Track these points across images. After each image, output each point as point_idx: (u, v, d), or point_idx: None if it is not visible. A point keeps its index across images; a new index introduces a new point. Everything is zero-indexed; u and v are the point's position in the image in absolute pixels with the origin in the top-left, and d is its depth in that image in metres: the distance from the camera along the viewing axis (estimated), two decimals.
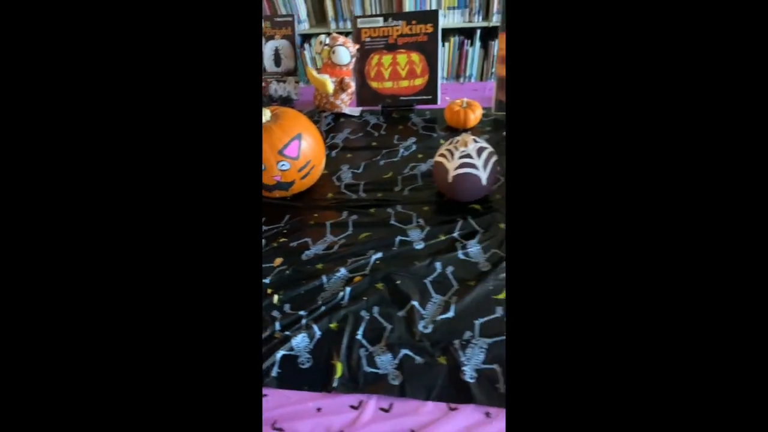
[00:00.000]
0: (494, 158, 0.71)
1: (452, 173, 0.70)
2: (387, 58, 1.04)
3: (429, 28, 1.01)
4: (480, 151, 0.70)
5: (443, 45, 2.13)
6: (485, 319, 0.56)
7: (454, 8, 2.09)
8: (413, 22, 1.01)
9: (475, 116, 0.96)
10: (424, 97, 1.06)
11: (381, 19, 1.02)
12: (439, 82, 1.04)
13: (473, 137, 0.72)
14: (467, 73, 2.10)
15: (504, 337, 0.53)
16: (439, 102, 1.05)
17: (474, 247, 0.67)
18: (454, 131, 0.99)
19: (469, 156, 0.70)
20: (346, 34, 1.10)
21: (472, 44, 1.95)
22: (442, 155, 0.72)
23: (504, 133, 0.96)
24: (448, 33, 2.15)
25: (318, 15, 2.20)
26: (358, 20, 1.04)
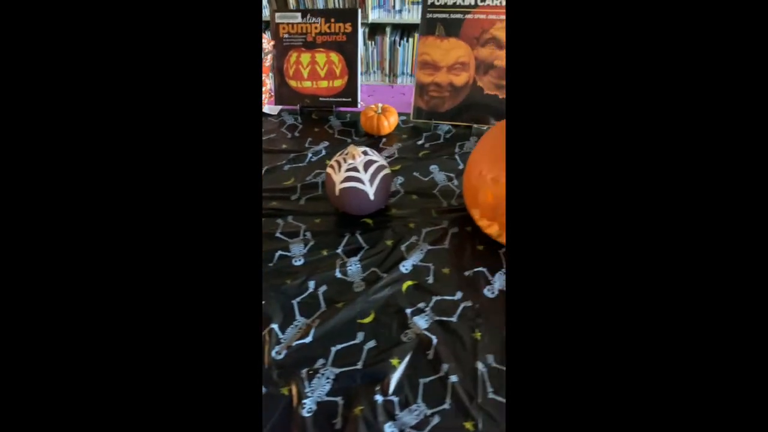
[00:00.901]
0: (384, 172, 0.69)
1: (338, 186, 0.67)
2: (306, 57, 1.00)
3: (348, 28, 0.97)
4: (368, 165, 0.67)
5: (407, 41, 2.10)
6: (343, 345, 0.53)
7: (417, 3, 2.05)
8: (332, 20, 0.96)
9: (389, 123, 0.93)
10: (343, 100, 1.02)
11: (299, 14, 0.97)
12: (359, 83, 1.01)
13: (364, 149, 0.69)
14: None
15: (354, 367, 0.51)
16: (359, 105, 1.02)
17: (354, 266, 0.64)
18: (370, 137, 0.96)
19: (355, 169, 0.67)
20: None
21: None
22: (332, 166, 0.69)
23: (418, 142, 0.94)
24: (412, 28, 2.11)
25: (280, 0, 2.11)
26: (276, 14, 0.98)
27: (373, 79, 2.15)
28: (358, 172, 0.67)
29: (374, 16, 1.95)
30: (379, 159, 0.69)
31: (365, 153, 0.69)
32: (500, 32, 0.89)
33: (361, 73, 2.11)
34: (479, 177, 0.60)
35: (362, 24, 1.92)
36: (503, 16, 0.88)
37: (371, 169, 0.67)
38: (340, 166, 0.68)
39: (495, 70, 0.91)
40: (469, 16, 0.90)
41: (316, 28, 0.98)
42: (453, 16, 0.91)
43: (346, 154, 0.68)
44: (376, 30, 2.05)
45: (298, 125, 1.01)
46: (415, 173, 0.84)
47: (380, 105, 0.95)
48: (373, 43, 2.03)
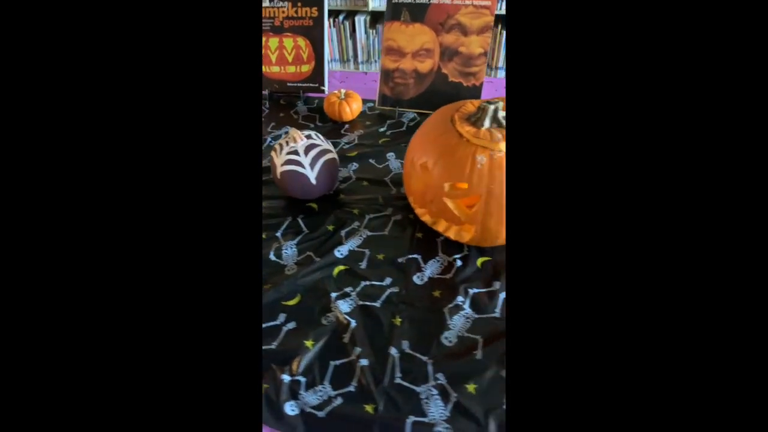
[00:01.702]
0: (326, 157, 0.68)
1: (279, 169, 0.67)
2: (273, 41, 0.99)
3: (314, 12, 0.96)
4: (309, 148, 0.67)
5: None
6: (263, 326, 0.54)
7: None
8: (299, 4, 0.96)
9: (351, 109, 0.92)
10: (311, 85, 1.01)
11: None
12: (326, 69, 1.00)
13: (307, 133, 0.69)
14: None
15: (269, 347, 0.51)
16: (326, 91, 1.01)
17: (290, 249, 0.65)
18: (334, 123, 0.96)
19: (295, 153, 0.67)
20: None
21: None
22: (274, 149, 0.69)
23: (380, 129, 0.93)
24: None
25: None
26: None
27: (374, 68, 2.13)
28: (298, 155, 0.67)
29: (375, 4, 1.92)
30: (322, 143, 0.69)
31: (308, 137, 0.68)
32: (465, 18, 0.88)
33: (362, 62, 2.09)
34: (411, 164, 0.59)
35: (363, 12, 1.90)
36: (468, 2, 0.86)
37: (312, 153, 0.67)
38: (281, 148, 0.68)
39: (459, 57, 0.90)
40: (434, 1, 0.88)
41: (283, 12, 0.97)
42: (418, 0, 0.89)
43: (289, 137, 0.68)
44: (377, 18, 2.02)
45: (264, 110, 1.01)
46: (370, 160, 0.83)
47: (343, 91, 0.94)
48: (374, 31, 2.00)
